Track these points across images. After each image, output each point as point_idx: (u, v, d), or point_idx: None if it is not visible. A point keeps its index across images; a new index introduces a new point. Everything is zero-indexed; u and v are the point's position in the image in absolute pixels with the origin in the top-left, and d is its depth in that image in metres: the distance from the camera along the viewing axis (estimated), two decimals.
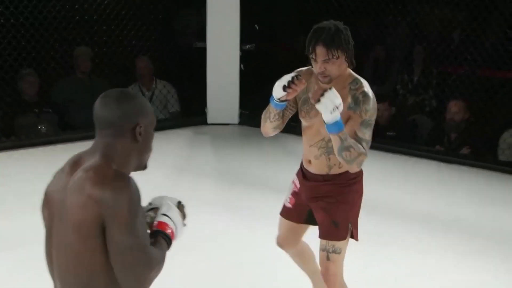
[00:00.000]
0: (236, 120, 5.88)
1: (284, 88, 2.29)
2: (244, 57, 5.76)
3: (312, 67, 2.39)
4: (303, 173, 2.54)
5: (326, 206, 2.46)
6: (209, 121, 5.81)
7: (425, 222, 3.80)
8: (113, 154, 1.61)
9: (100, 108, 1.61)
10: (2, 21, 5.15)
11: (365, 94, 2.34)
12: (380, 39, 6.04)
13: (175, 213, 1.77)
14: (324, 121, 2.25)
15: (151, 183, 4.37)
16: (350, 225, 2.49)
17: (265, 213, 3.53)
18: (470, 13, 5.18)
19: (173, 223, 1.74)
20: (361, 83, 2.38)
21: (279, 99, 2.36)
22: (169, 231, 1.71)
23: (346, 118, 2.31)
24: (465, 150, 5.00)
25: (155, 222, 1.72)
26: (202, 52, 5.79)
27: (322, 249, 2.48)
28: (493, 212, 3.97)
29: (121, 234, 1.50)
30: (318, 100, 2.21)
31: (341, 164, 2.41)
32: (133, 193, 1.55)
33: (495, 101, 5.22)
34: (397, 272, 3.23)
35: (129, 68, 5.86)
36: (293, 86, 2.28)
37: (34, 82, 5.30)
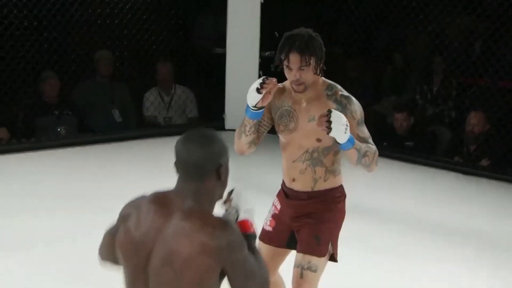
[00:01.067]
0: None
1: (258, 90, 2.29)
2: (263, 63, 5.77)
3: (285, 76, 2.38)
4: (285, 193, 2.47)
5: (311, 222, 2.39)
6: (227, 126, 5.82)
7: (443, 234, 3.77)
8: (202, 195, 1.68)
9: (186, 153, 1.68)
10: (25, 24, 5.22)
11: (346, 97, 2.37)
12: (400, 48, 6.02)
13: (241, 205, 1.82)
14: (338, 143, 2.25)
15: (169, 186, 4.40)
16: (330, 245, 2.40)
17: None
18: (492, 24, 5.14)
19: (248, 215, 1.79)
20: (336, 87, 2.40)
21: (255, 106, 2.33)
22: (251, 229, 1.77)
23: None
24: (484, 162, 4.95)
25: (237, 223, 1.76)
26: (222, 58, 5.81)
27: (297, 266, 2.36)
28: (509, 225, 3.93)
29: (246, 278, 1.63)
30: (329, 128, 2.19)
31: (326, 177, 2.39)
32: (239, 234, 1.65)
33: None
34: (417, 284, 3.20)
35: (149, 72, 5.90)
36: (265, 86, 2.28)
37: (55, 84, 5.35)
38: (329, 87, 2.39)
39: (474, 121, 4.97)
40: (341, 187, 2.49)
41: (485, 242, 3.69)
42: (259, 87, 2.29)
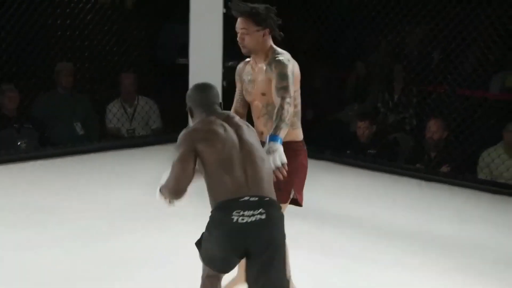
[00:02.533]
0: None
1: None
2: (227, 73, 5.78)
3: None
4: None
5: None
6: None
7: (405, 240, 3.82)
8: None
9: (211, 92, 2.55)
10: None
11: (277, 60, 2.71)
12: (362, 57, 6.10)
13: None
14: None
15: (133, 199, 4.36)
16: (292, 191, 2.73)
17: None
18: (450, 33, 5.26)
19: None
20: (278, 54, 2.74)
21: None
22: None
23: (267, 82, 2.71)
24: (444, 169, 5.05)
25: None
26: (185, 68, 5.80)
27: None
28: (471, 230, 4.00)
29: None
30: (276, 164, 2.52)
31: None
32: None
33: (473, 120, 5.29)
34: None
35: (111, 84, 5.84)
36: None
37: (15, 97, 5.26)
38: (275, 52, 2.75)
39: (434, 128, 5.07)
40: (301, 142, 2.83)
41: (447, 246, 3.75)
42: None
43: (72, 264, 3.38)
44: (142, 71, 5.98)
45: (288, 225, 2.43)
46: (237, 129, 2.43)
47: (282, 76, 2.68)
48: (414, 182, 4.93)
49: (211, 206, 2.37)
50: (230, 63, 5.79)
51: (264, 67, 2.75)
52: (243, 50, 2.78)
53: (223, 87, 5.82)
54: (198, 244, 2.41)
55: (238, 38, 2.75)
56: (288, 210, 2.77)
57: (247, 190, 2.30)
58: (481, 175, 5.01)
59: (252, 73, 2.82)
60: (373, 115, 5.70)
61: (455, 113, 5.31)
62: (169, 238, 3.72)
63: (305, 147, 2.85)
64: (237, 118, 2.51)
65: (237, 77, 2.92)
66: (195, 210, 4.23)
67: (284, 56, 2.74)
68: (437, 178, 4.93)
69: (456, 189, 4.77)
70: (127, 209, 4.16)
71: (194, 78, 5.81)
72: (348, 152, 5.44)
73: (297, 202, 2.82)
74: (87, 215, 4.04)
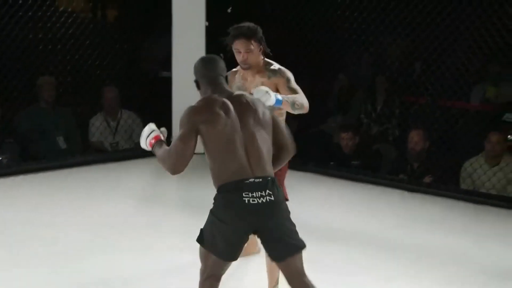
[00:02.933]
0: (201, 149, 5.86)
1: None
2: None
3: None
4: None
5: None
6: None
7: (389, 250, 3.83)
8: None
9: (216, 64, 2.61)
10: None
11: (277, 68, 3.11)
12: (344, 69, 6.14)
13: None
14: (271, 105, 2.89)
15: (117, 212, 4.33)
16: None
17: None
18: (431, 44, 5.32)
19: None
20: (273, 64, 3.12)
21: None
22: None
23: (275, 87, 3.04)
24: (427, 179, 5.08)
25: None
26: (168, 81, 5.80)
27: None
28: (454, 240, 4.03)
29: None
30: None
31: None
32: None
33: (455, 130, 5.33)
34: None
35: (94, 97, 5.82)
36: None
37: None
38: (268, 63, 3.13)
39: (416, 138, 5.11)
40: None
41: (430, 257, 3.77)
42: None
43: (55, 281, 3.34)
44: (125, 84, 5.97)
45: None
46: (240, 108, 2.49)
47: (291, 80, 3.11)
48: (397, 192, 4.96)
49: (215, 187, 2.47)
50: None
51: (261, 78, 3.09)
52: (244, 66, 3.09)
53: None
54: (200, 238, 2.48)
55: (240, 57, 3.06)
56: None
57: (251, 172, 2.42)
58: (463, 186, 5.05)
59: (244, 82, 3.15)
60: (356, 127, 5.74)
61: (437, 124, 5.36)
62: (155, 252, 3.69)
63: None
64: (242, 97, 2.55)
65: None
66: (180, 224, 4.22)
67: (278, 65, 3.13)
68: (420, 189, 4.96)
69: (439, 200, 4.80)
70: (111, 223, 4.13)
71: (178, 91, 5.81)
72: (331, 163, 5.46)
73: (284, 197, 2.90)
74: (71, 230, 4.00)
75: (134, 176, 5.20)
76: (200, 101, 2.55)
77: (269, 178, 2.43)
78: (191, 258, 3.59)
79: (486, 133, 4.96)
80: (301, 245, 2.46)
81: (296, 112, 3.06)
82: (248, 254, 3.39)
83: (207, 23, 5.65)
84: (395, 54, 5.94)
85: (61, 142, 5.53)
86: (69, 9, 5.72)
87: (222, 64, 2.62)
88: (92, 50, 5.66)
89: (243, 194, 2.38)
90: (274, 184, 2.44)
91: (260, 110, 2.52)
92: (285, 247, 2.42)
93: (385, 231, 4.16)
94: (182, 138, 2.47)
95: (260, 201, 2.38)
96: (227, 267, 2.49)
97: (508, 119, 5.40)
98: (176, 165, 2.48)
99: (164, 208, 4.51)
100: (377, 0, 5.35)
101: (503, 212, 4.57)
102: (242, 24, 3.08)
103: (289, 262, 2.43)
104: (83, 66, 5.66)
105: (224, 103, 2.48)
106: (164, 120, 5.85)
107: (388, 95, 5.87)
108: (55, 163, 5.28)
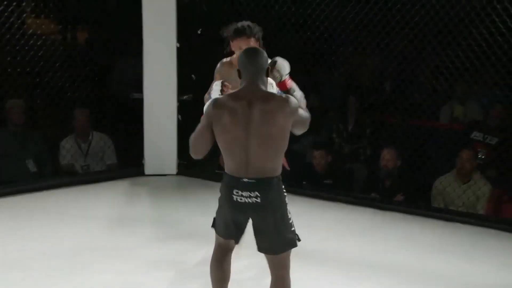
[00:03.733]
0: (174, 170, 5.84)
1: (221, 91, 3.13)
2: (182, 107, 5.78)
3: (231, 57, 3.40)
4: None
5: None
6: (146, 172, 5.75)
7: (361, 269, 3.84)
8: (265, 84, 2.81)
9: (255, 59, 2.76)
10: None
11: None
12: (315, 90, 6.20)
13: None
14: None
15: (89, 234, 4.27)
16: None
17: (200, 263, 3.49)
18: (399, 65, 5.41)
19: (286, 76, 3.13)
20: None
21: None
22: (289, 86, 3.11)
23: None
24: (399, 197, 5.13)
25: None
26: (139, 103, 5.78)
27: None
28: (426, 258, 4.06)
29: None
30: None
31: None
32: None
33: (425, 149, 5.41)
34: None
35: (65, 119, 5.77)
36: (225, 88, 3.16)
37: None
38: None
39: (387, 157, 5.17)
40: None
41: (402, 275, 3.79)
42: (221, 89, 3.14)
43: None
44: (96, 106, 5.93)
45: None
46: (254, 111, 2.62)
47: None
48: (369, 211, 4.99)
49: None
50: (185, 97, 5.81)
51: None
52: None
53: (178, 121, 5.82)
54: (214, 223, 2.83)
55: None
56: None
57: (245, 172, 2.62)
58: (434, 203, 5.11)
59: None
60: (328, 146, 5.78)
61: (408, 143, 5.44)
62: (127, 276, 3.65)
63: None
64: (267, 96, 2.68)
65: (217, 75, 3.51)
66: (152, 246, 4.18)
67: None
68: (391, 207, 5.00)
69: (410, 218, 4.84)
70: (83, 247, 4.07)
71: (149, 112, 5.79)
72: (304, 183, 5.48)
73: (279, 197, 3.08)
74: (42, 255, 3.93)
75: (106, 198, 5.14)
76: (227, 94, 2.79)
77: (264, 180, 2.61)
78: (161, 276, 3.57)
79: (456, 152, 5.04)
80: (285, 247, 2.71)
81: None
82: None
83: (178, 45, 5.66)
84: (366, 74, 6.03)
85: (31, 166, 5.46)
86: (38, 32, 5.69)
87: (261, 58, 2.75)
88: (63, 72, 5.62)
89: (234, 191, 2.63)
90: (269, 186, 2.62)
91: (279, 110, 2.63)
92: (267, 244, 2.67)
93: (356, 249, 4.17)
94: (200, 129, 2.70)
95: (246, 201, 2.61)
96: (232, 244, 2.79)
97: (476, 137, 5.51)
98: (194, 148, 2.72)
99: (136, 230, 4.46)
100: (347, 22, 5.44)
101: (472, 229, 4.62)
102: (242, 23, 3.36)
103: (270, 256, 2.70)
104: (53, 89, 5.61)
105: (241, 104, 2.63)
106: (136, 142, 5.88)
107: (359, 115, 5.94)
108: (25, 187, 5.20)
